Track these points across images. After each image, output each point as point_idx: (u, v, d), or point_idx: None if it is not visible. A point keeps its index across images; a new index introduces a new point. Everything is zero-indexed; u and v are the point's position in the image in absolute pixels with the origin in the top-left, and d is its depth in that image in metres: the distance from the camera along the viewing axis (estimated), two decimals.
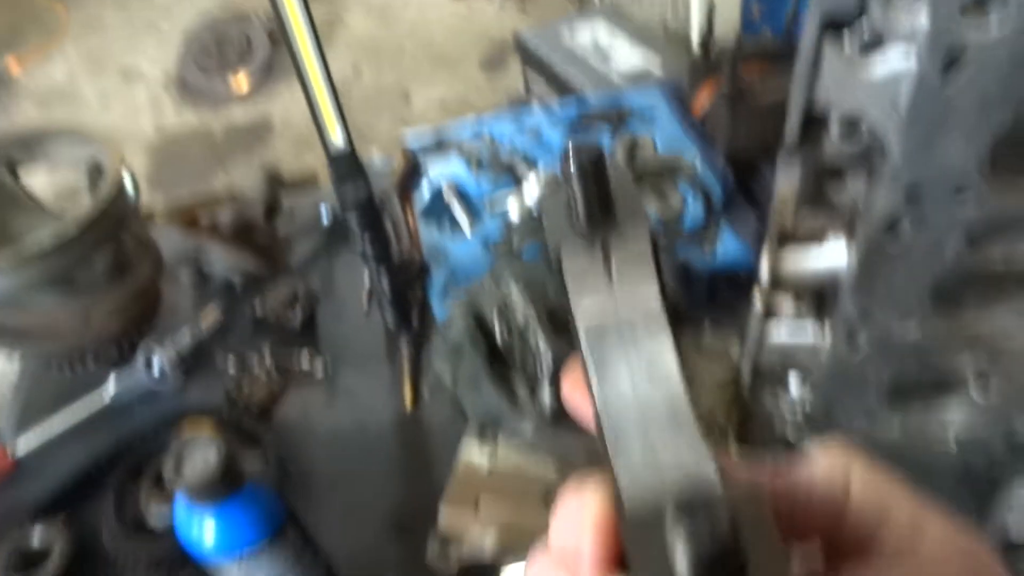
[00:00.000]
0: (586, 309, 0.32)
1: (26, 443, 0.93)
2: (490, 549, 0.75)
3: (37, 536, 0.82)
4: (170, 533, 0.76)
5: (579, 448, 0.82)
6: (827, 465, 0.29)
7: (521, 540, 0.76)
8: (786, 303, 0.77)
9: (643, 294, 0.31)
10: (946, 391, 0.78)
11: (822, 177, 0.68)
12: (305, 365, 1.02)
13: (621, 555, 0.27)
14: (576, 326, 0.31)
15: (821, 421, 0.86)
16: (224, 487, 0.57)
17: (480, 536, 0.77)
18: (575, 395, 0.34)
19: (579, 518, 0.27)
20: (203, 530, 0.59)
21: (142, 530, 0.82)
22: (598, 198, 0.32)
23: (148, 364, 1.00)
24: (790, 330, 0.79)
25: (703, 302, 1.02)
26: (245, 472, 0.59)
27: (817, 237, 0.71)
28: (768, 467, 0.30)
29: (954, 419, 0.79)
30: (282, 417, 0.96)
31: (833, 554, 0.28)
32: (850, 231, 0.69)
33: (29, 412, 0.98)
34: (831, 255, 0.73)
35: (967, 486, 0.82)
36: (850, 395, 0.81)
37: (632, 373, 0.31)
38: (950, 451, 0.82)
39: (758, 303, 0.78)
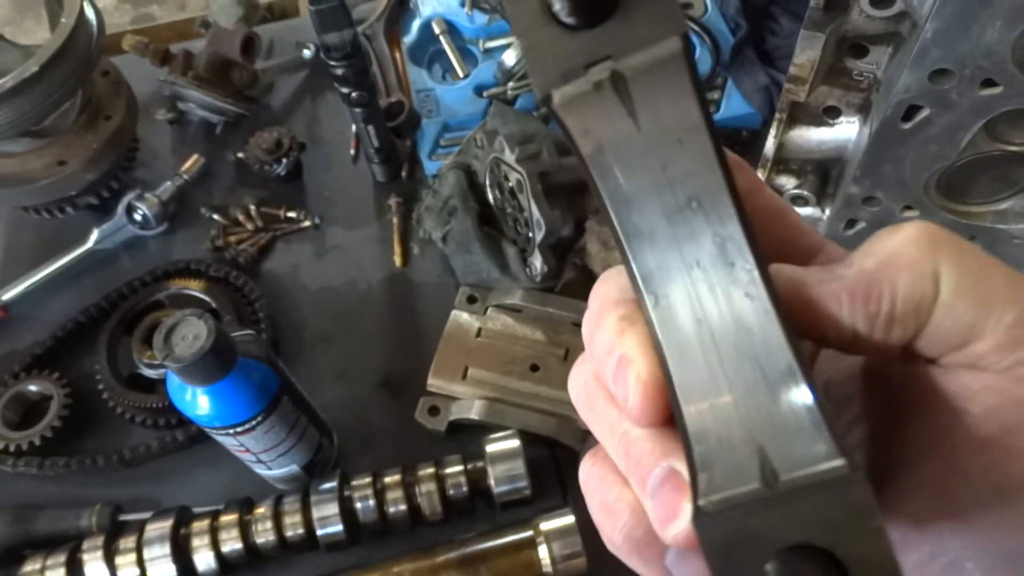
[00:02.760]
0: (599, 159, 0.23)
1: (13, 291, 0.92)
2: (478, 413, 0.78)
3: (35, 386, 0.83)
4: (165, 385, 0.78)
5: (567, 314, 0.83)
6: (911, 257, 0.24)
7: (507, 408, 0.78)
8: (788, 178, 0.75)
9: (677, 125, 0.22)
10: None
11: (843, 51, 0.63)
12: (292, 216, 0.99)
13: (668, 417, 0.24)
14: (591, 178, 0.24)
15: None
16: (215, 369, 0.57)
17: (468, 401, 0.79)
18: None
19: (622, 369, 0.25)
20: (196, 404, 0.60)
21: (137, 382, 0.84)
22: None
23: (130, 211, 0.97)
24: (789, 202, 0.77)
25: None
26: (237, 349, 0.59)
27: (830, 115, 0.68)
28: (842, 274, 0.25)
29: None
30: (270, 271, 0.96)
31: (918, 353, 0.25)
32: (865, 112, 0.66)
33: (13, 263, 0.97)
34: (842, 133, 0.69)
35: None
36: None
37: (675, 230, 0.23)
38: None
39: (761, 174, 0.76)
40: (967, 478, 0.23)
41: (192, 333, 0.56)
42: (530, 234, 0.84)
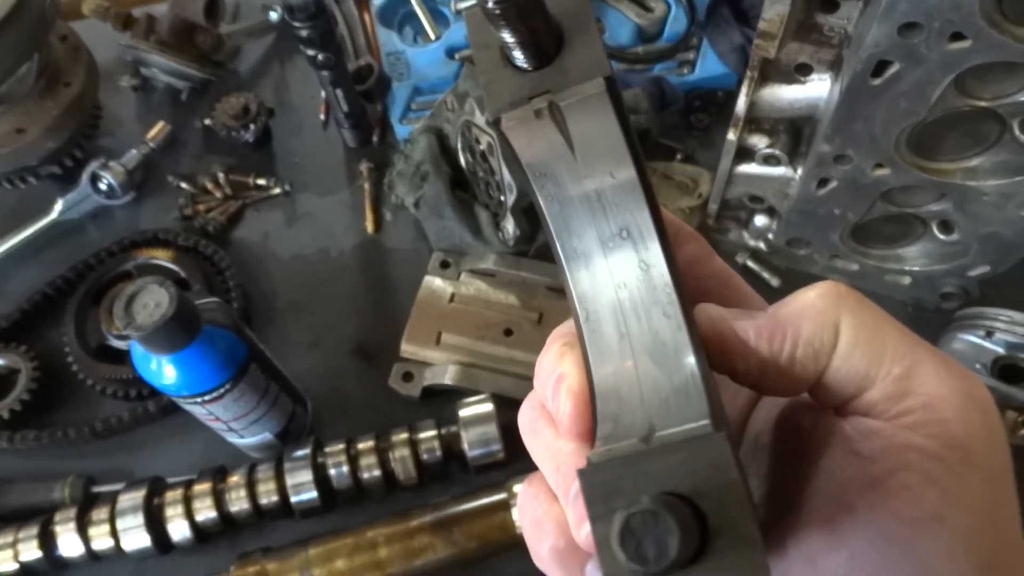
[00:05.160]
0: (543, 184, 0.27)
1: None
2: (451, 378, 0.77)
3: (1, 359, 0.82)
4: None
5: (540, 278, 0.83)
6: (817, 308, 0.28)
7: (480, 372, 0.78)
8: (760, 137, 0.74)
9: (608, 158, 0.27)
10: (909, 236, 0.78)
11: (814, 5, 0.62)
12: (262, 184, 0.98)
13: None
14: (537, 203, 0.28)
15: (783, 251, 0.86)
16: (179, 336, 0.56)
17: (442, 367, 0.79)
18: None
19: (558, 385, 0.28)
20: (162, 373, 0.59)
21: (107, 353, 0.83)
22: (533, 38, 0.26)
23: (95, 180, 0.95)
24: (761, 162, 0.76)
25: (677, 126, 0.98)
26: (201, 316, 0.58)
27: (801, 73, 0.67)
28: (758, 317, 0.28)
29: (912, 257, 0.80)
30: (240, 240, 0.94)
31: (821, 399, 0.29)
32: (836, 68, 0.65)
33: None
34: (813, 91, 0.69)
35: (917, 322, 0.85)
36: (814, 230, 0.81)
37: (607, 255, 0.27)
38: (903, 284, 0.83)
39: (732, 134, 0.75)
40: (854, 516, 0.26)
41: (153, 301, 0.55)
42: (502, 198, 0.83)
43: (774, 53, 0.64)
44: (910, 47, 0.56)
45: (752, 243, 0.89)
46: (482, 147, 0.84)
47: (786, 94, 0.71)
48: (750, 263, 0.89)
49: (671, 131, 0.97)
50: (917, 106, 0.61)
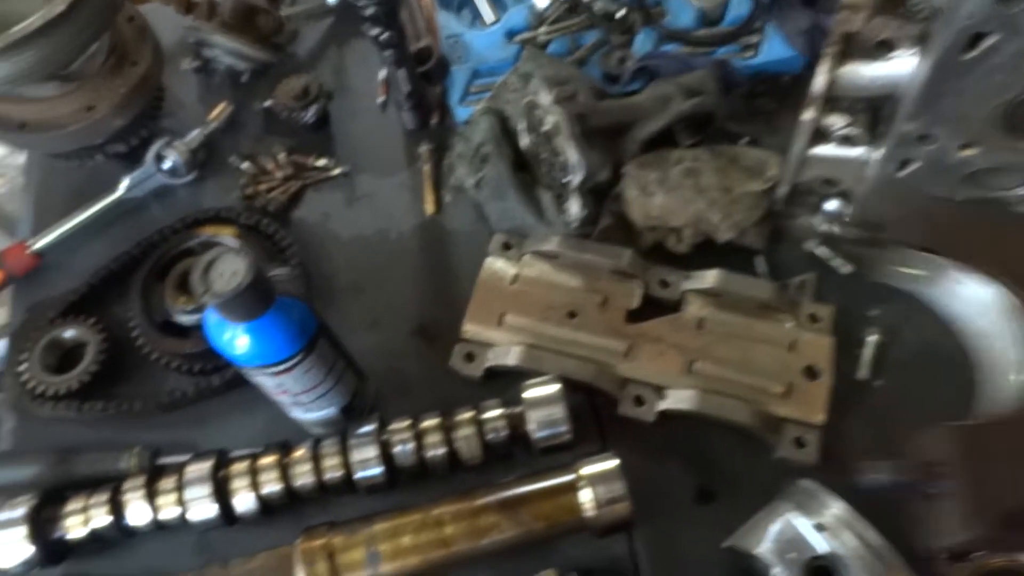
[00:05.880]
0: None
1: (46, 239, 0.92)
2: (516, 358, 0.77)
3: (70, 332, 0.83)
4: (199, 331, 0.78)
5: (604, 260, 0.81)
6: None
7: (544, 354, 0.77)
8: (838, 117, 0.72)
9: None
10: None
11: None
12: (321, 165, 0.98)
13: None
14: None
15: (857, 235, 0.83)
16: (255, 305, 0.56)
17: (505, 348, 0.78)
18: None
19: None
20: (235, 344, 0.59)
21: (171, 329, 0.84)
22: None
23: (159, 159, 0.96)
24: (838, 142, 0.74)
25: (739, 110, 0.96)
26: (275, 287, 0.58)
27: (885, 48, 0.65)
28: None
29: None
30: (301, 220, 0.95)
31: None
32: (922, 43, 0.63)
33: (45, 211, 0.97)
34: (896, 68, 0.67)
35: None
36: (892, 212, 0.78)
37: None
38: None
39: (809, 113, 0.73)
40: None
41: (230, 269, 0.55)
42: (565, 179, 0.82)
43: (860, 26, 0.62)
44: (1009, 17, 0.54)
45: (824, 228, 0.86)
46: (546, 128, 0.83)
47: (867, 71, 0.68)
48: (821, 250, 0.86)
49: (734, 115, 0.95)
50: (1014, 80, 0.59)
